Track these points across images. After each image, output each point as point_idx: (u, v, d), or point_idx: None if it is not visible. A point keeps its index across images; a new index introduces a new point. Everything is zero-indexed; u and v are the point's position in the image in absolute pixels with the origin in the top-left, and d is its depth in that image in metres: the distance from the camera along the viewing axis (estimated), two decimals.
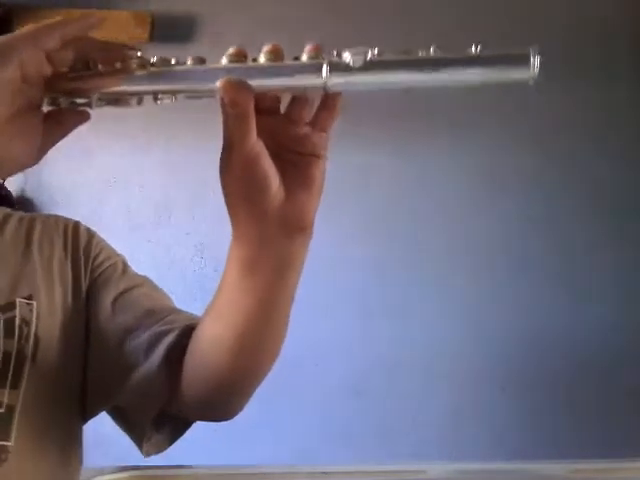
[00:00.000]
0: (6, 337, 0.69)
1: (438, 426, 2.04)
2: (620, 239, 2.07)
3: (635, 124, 2.10)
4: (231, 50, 0.51)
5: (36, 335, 0.71)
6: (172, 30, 2.14)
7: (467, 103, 1.99)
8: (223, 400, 0.71)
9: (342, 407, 2.05)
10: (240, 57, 0.51)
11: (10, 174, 0.55)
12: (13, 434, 0.67)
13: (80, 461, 0.77)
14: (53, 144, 0.54)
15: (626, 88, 2.11)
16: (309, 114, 0.54)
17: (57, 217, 0.83)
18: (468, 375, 2.05)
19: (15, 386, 0.68)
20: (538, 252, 2.09)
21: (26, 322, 0.71)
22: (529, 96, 1.88)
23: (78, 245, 0.79)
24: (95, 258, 0.80)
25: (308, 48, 0.51)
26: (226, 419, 0.74)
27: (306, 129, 0.55)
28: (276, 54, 0.51)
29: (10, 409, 0.68)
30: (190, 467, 0.53)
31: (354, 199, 2.12)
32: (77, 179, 2.16)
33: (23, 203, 2.13)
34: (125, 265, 0.82)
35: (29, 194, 2.17)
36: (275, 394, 2.12)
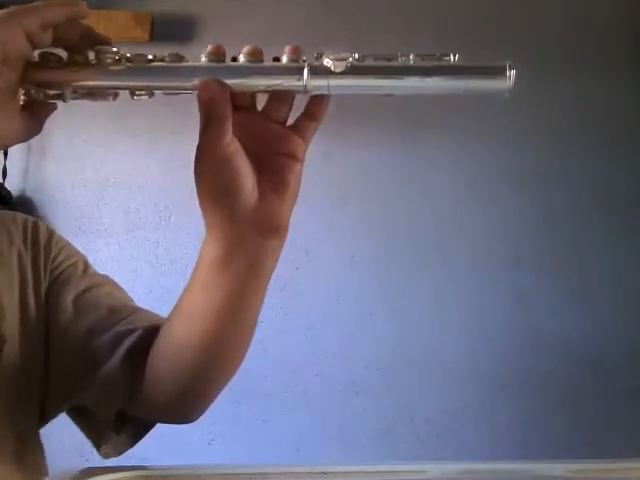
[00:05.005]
0: None
1: (437, 426, 2.04)
2: (620, 239, 2.07)
3: (636, 124, 2.10)
4: (210, 48, 0.51)
5: (1, 335, 0.69)
6: (172, 30, 2.14)
7: (467, 102, 1.99)
8: (186, 401, 0.70)
9: (341, 407, 2.05)
10: (219, 56, 0.51)
11: None
12: None
13: (40, 466, 0.75)
14: (27, 138, 0.52)
15: (626, 88, 2.11)
16: (288, 112, 0.54)
17: (16, 214, 0.81)
18: (467, 375, 2.05)
19: None
20: (538, 252, 2.08)
21: None
22: (529, 96, 1.88)
23: (38, 242, 0.78)
24: (55, 257, 0.78)
25: (288, 50, 0.50)
26: (187, 422, 0.73)
27: (285, 129, 0.54)
28: (255, 55, 0.51)
29: None
30: (190, 467, 0.53)
31: (354, 198, 2.12)
32: (77, 179, 2.16)
33: (23, 203, 2.13)
34: (86, 265, 0.80)
35: (29, 194, 2.16)
36: (274, 394, 2.12)
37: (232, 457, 1.95)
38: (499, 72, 0.49)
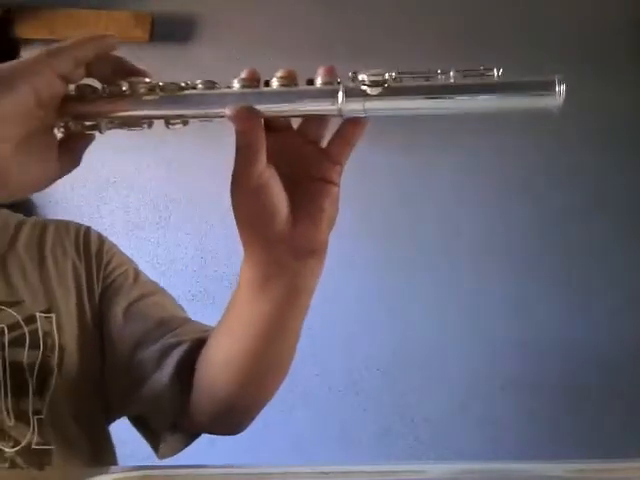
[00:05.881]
0: (31, 349, 0.70)
1: (437, 426, 2.04)
2: (621, 239, 2.07)
3: (636, 124, 2.10)
4: (243, 74, 0.51)
5: (60, 346, 0.72)
6: (172, 30, 2.14)
7: None
8: (230, 417, 0.71)
9: (341, 407, 2.05)
10: (252, 81, 0.50)
11: (24, 195, 0.54)
12: (51, 439, 0.69)
13: (112, 461, 0.79)
14: (67, 172, 0.53)
15: (626, 88, 2.11)
16: (324, 131, 0.54)
17: (68, 223, 0.84)
18: (467, 375, 2.05)
19: (42, 395, 0.70)
20: (538, 252, 2.09)
21: (49, 334, 0.72)
22: None
23: (90, 252, 0.80)
24: (107, 265, 0.80)
25: (322, 71, 0.50)
26: (232, 434, 0.75)
27: (320, 153, 0.54)
28: (289, 79, 0.50)
29: (38, 414, 0.69)
30: (190, 467, 0.53)
31: (354, 198, 2.12)
32: (77, 179, 2.16)
33: (23, 203, 2.13)
34: (136, 272, 0.82)
35: None
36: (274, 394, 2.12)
37: (232, 457, 1.95)
38: (548, 88, 0.46)
